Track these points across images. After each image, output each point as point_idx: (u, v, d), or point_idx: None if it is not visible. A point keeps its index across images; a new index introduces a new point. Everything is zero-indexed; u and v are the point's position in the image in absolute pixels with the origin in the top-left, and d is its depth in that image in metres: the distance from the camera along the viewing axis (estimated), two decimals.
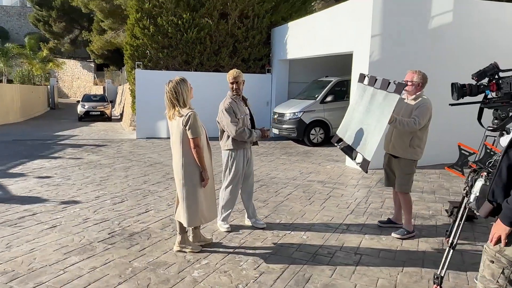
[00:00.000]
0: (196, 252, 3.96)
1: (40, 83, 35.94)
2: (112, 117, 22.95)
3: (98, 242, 4.23)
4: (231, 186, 4.55)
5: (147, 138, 12.14)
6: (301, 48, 11.47)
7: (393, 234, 4.54)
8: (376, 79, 4.21)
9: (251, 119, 4.63)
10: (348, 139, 4.46)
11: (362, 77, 4.58)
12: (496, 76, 3.45)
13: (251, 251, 4.05)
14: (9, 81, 31.93)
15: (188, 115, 3.64)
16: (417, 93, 4.31)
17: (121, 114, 22.99)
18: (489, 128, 3.63)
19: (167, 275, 3.51)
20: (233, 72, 4.45)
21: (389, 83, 3.94)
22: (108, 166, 8.12)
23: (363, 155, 4.05)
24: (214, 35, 12.90)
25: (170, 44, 12.75)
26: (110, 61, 36.55)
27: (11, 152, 9.86)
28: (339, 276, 3.55)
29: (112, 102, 28.33)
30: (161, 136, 12.17)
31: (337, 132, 4.86)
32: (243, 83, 4.49)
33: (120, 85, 31.27)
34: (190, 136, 3.66)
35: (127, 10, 15.19)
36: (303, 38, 11.27)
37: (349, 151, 4.39)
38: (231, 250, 4.07)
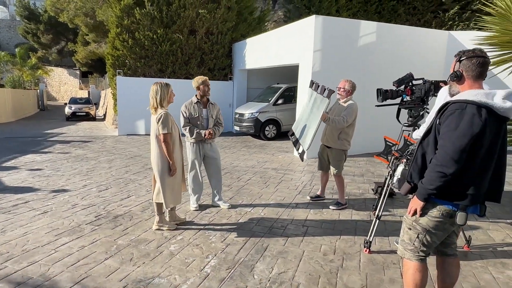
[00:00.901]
0: (172, 230, 3.87)
1: (30, 87, 33.53)
2: (96, 117, 21.84)
3: (86, 224, 4.01)
4: (190, 173, 4.55)
5: (127, 134, 11.67)
6: (257, 60, 11.44)
7: (330, 207, 4.68)
8: (319, 86, 4.28)
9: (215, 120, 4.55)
10: (297, 134, 4.54)
11: (311, 83, 4.63)
12: (410, 84, 3.60)
13: (218, 227, 4.01)
14: (1, 86, 29.54)
15: (161, 114, 3.58)
16: (348, 97, 4.47)
17: (104, 115, 21.93)
18: (405, 124, 3.80)
19: (148, 250, 3.40)
20: (199, 78, 4.40)
21: (325, 89, 4.02)
22: (94, 159, 7.73)
23: (303, 146, 4.12)
24: (184, 48, 12.59)
25: (147, 55, 12.32)
26: (93, 69, 34.73)
27: (4, 148, 9.14)
28: (291, 245, 3.59)
29: (96, 104, 27.01)
30: (139, 133, 11.74)
31: (292, 127, 4.93)
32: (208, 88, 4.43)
33: (103, 89, 29.82)
34: (160, 131, 3.58)
35: (108, 25, 14.46)
36: (258, 52, 11.24)
37: (296, 143, 4.45)
38: (202, 227, 4.00)
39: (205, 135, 4.35)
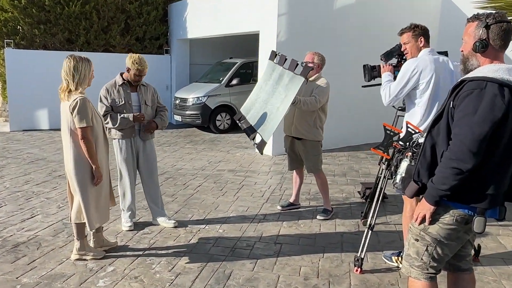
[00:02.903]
0: (99, 259, 3.73)
1: None
2: None
3: None
4: (120, 180, 4.45)
5: (23, 130, 11.01)
6: (203, 27, 11.30)
7: (318, 217, 4.79)
8: (286, 59, 4.30)
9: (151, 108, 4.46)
10: (251, 118, 4.46)
11: (273, 55, 4.63)
12: (404, 58, 3.75)
13: (163, 252, 3.93)
14: None
15: (76, 101, 3.40)
16: (317, 74, 4.61)
17: None
18: (399, 108, 3.96)
19: None
20: (131, 56, 4.27)
21: (297, 64, 4.05)
22: None
23: (262, 136, 4.12)
24: (102, 9, 12.09)
25: (48, 19, 11.67)
26: None
27: None
28: (261, 269, 3.61)
29: None
30: (41, 127, 11.12)
31: (240, 109, 4.87)
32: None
33: None
34: (77, 124, 3.42)
35: None
36: (205, 16, 11.11)
37: (250, 131, 4.40)
38: (141, 253, 3.90)
39: (135, 118, 4.18)
